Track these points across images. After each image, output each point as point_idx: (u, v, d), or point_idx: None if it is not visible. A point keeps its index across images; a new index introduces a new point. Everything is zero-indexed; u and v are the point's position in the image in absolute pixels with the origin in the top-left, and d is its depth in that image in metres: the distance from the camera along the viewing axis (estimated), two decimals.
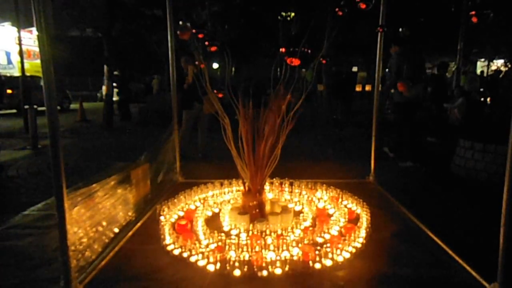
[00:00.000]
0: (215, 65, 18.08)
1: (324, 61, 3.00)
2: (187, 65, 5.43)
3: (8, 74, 14.89)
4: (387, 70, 6.03)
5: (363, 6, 2.83)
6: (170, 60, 3.95)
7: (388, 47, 5.43)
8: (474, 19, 2.58)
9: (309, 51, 2.62)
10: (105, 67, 10.28)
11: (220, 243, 2.41)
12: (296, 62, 2.62)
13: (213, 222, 3.01)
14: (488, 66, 23.57)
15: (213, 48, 2.91)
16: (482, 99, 11.50)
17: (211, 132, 5.78)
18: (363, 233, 2.62)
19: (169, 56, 3.94)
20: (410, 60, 5.37)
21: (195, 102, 5.62)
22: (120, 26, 11.05)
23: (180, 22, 2.97)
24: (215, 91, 2.97)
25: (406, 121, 5.57)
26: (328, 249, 2.33)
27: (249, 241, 2.42)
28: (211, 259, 2.26)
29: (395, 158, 5.74)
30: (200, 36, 2.89)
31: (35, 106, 7.31)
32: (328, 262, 2.28)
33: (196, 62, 2.97)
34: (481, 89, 12.13)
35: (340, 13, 2.92)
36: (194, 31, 2.87)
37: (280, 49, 2.66)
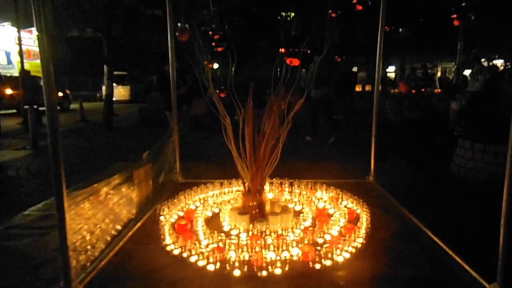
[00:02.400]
0: (215, 65, 18.08)
1: (339, 59, 3.01)
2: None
3: (8, 74, 14.88)
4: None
5: (359, 7, 2.84)
6: (170, 60, 3.95)
7: (388, 47, 5.57)
8: (456, 22, 2.61)
9: (309, 51, 2.63)
10: (105, 67, 10.28)
11: (220, 243, 2.41)
12: (295, 62, 2.63)
13: (213, 222, 3.01)
14: (488, 66, 23.56)
15: (220, 49, 2.92)
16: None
17: (212, 132, 5.81)
18: (363, 233, 2.62)
19: (169, 56, 3.94)
20: (327, 66, 7.04)
21: (183, 104, 5.70)
22: (120, 26, 11.03)
23: (179, 24, 2.98)
24: (217, 91, 2.97)
25: (323, 111, 7.63)
26: (328, 249, 2.33)
27: (249, 241, 2.42)
28: (211, 259, 2.26)
29: (314, 139, 7.72)
30: (216, 37, 2.90)
31: (35, 106, 7.31)
32: (328, 262, 2.28)
33: (205, 63, 2.97)
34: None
35: (333, 15, 2.92)
36: (211, 32, 2.88)
37: (280, 50, 2.66)
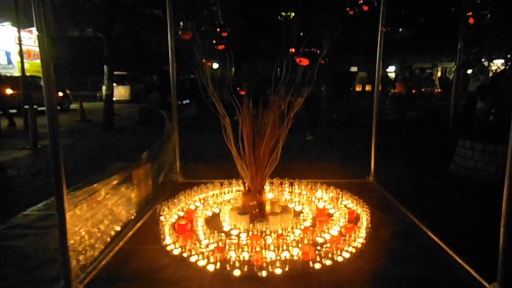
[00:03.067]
0: (215, 65, 18.07)
1: (323, 62, 3.00)
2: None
3: (8, 74, 14.88)
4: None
5: (365, 8, 2.84)
6: (170, 60, 3.95)
7: (388, 47, 5.65)
8: (471, 20, 2.60)
9: (318, 51, 2.63)
10: (105, 67, 10.28)
11: (220, 243, 2.41)
12: (304, 62, 2.63)
13: (213, 222, 3.01)
14: (488, 66, 23.56)
15: (224, 33, 2.90)
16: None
17: (212, 132, 5.83)
18: (363, 233, 2.62)
19: (169, 56, 3.94)
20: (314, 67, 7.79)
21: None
22: (120, 26, 11.03)
23: (181, 23, 2.97)
24: (237, 88, 2.96)
25: (310, 109, 7.92)
26: (328, 249, 2.33)
27: (249, 241, 2.42)
28: (211, 259, 2.26)
29: (314, 137, 8.04)
30: (224, 34, 2.89)
31: (35, 106, 7.31)
32: (328, 262, 2.28)
33: (204, 61, 2.96)
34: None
35: (352, 12, 2.92)
36: (218, 29, 2.88)
37: (290, 50, 2.66)
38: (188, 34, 2.96)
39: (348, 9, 2.94)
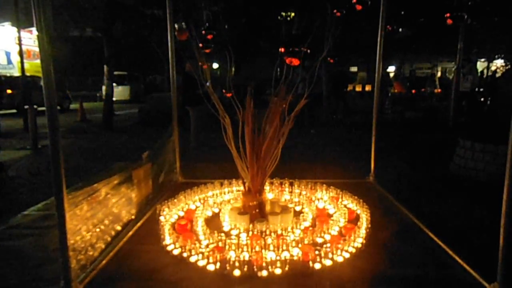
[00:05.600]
0: (215, 65, 18.08)
1: (332, 60, 3.01)
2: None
3: (8, 74, 14.89)
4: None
5: (359, 7, 2.83)
6: (170, 60, 3.95)
7: (388, 47, 5.67)
8: (449, 21, 2.60)
9: (308, 50, 2.59)
10: (105, 67, 10.28)
11: (220, 243, 2.41)
12: (295, 62, 2.60)
13: (213, 222, 3.01)
14: (488, 66, 23.58)
15: (209, 36, 2.90)
16: (482, 99, 11.53)
17: (211, 131, 5.85)
18: (363, 233, 2.62)
19: (169, 56, 3.93)
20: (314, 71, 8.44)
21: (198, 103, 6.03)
22: (120, 26, 11.04)
23: (176, 25, 2.97)
24: (223, 90, 2.96)
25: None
26: (328, 249, 2.33)
27: (249, 241, 2.42)
28: (211, 259, 2.26)
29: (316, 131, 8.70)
30: (209, 37, 2.90)
31: (35, 106, 7.31)
32: (328, 262, 2.28)
33: (200, 63, 2.96)
34: (481, 89, 12.15)
35: (338, 14, 2.91)
36: (203, 32, 2.88)
37: (280, 49, 2.63)
38: (184, 35, 2.96)
39: (334, 11, 2.92)
